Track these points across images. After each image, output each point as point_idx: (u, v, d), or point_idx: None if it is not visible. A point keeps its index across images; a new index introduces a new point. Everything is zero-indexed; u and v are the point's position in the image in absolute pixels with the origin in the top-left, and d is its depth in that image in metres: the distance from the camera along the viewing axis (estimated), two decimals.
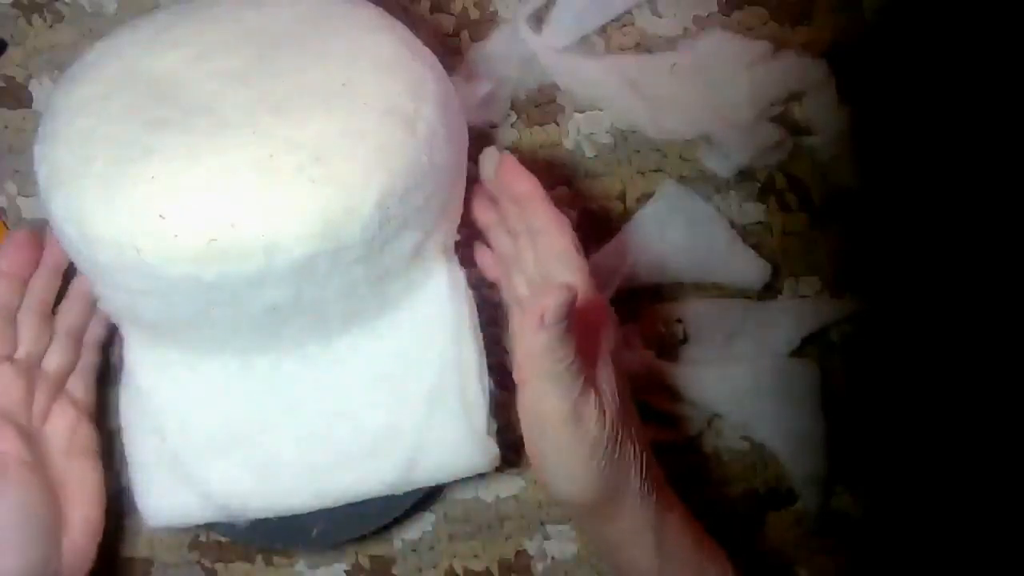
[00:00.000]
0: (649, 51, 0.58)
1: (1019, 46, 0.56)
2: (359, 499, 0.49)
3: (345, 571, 0.55)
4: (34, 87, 0.59)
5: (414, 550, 0.56)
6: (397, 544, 0.56)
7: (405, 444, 0.49)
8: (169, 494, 0.48)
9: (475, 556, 0.55)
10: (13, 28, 0.59)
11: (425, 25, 0.58)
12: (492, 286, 0.56)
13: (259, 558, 0.55)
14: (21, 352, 0.49)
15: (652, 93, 0.57)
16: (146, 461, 0.48)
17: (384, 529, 0.53)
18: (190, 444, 0.48)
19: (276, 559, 0.55)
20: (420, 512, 0.55)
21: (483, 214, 0.53)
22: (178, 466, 0.48)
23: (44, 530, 0.47)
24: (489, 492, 0.56)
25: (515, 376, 0.44)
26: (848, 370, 0.55)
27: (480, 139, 0.57)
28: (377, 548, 0.56)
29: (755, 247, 0.56)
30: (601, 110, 0.58)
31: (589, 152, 0.58)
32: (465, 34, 0.59)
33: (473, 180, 0.51)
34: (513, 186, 0.49)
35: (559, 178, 0.57)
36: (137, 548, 0.55)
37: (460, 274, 0.51)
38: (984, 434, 0.53)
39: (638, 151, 0.58)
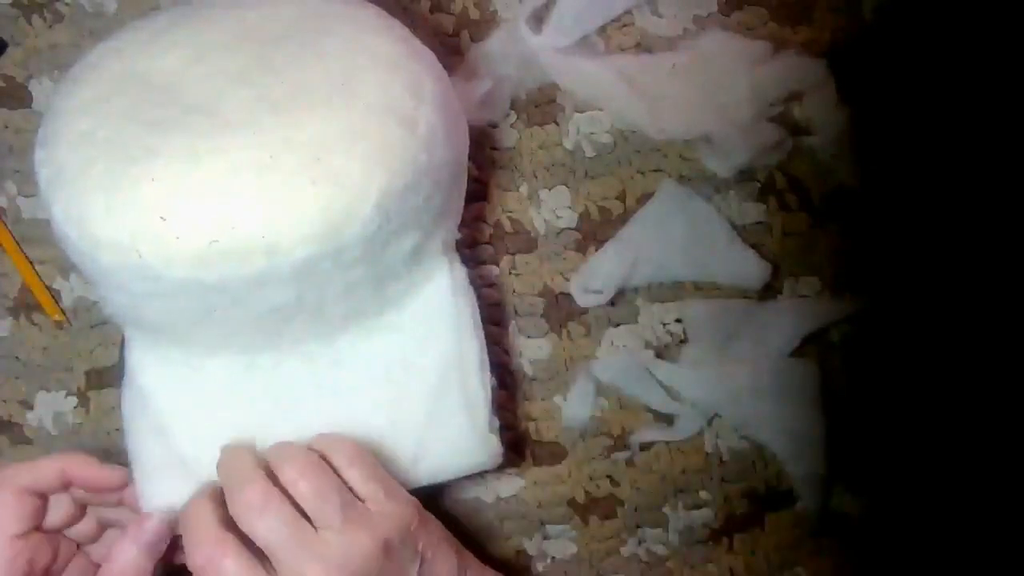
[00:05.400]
0: (649, 51, 0.58)
1: (1019, 46, 0.56)
2: None
3: None
4: (34, 87, 0.59)
5: None
6: None
7: (407, 442, 0.49)
8: (171, 494, 0.48)
9: (475, 556, 0.55)
10: (13, 28, 0.59)
11: (425, 25, 0.58)
12: (492, 285, 0.56)
13: None
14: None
15: (652, 93, 0.57)
16: (148, 461, 0.48)
17: None
18: (192, 444, 0.48)
19: None
20: None
21: None
22: (180, 466, 0.48)
23: None
24: (489, 492, 0.56)
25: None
26: (848, 370, 0.55)
27: (480, 139, 0.57)
28: None
29: (755, 247, 0.56)
30: (601, 110, 0.58)
31: (589, 152, 0.58)
32: (465, 34, 0.59)
33: (473, 179, 0.51)
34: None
35: (559, 178, 0.57)
36: None
37: (461, 273, 0.51)
38: (984, 434, 0.53)
39: (638, 151, 0.58)
